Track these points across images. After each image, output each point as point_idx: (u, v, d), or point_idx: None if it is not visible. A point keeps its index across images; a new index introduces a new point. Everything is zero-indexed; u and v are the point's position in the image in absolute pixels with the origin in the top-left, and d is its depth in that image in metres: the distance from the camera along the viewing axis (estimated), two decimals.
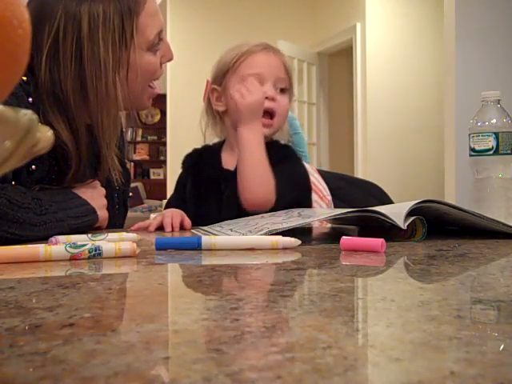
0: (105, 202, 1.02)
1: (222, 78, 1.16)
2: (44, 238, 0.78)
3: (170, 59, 1.08)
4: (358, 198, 1.38)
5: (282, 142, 1.19)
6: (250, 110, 1.05)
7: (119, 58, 0.96)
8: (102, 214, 1.00)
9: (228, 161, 1.16)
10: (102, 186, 1.04)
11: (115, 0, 0.95)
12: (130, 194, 1.25)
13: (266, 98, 1.10)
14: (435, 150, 4.53)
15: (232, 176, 1.09)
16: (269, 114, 1.12)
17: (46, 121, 0.93)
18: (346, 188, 1.43)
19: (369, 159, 4.74)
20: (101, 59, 0.94)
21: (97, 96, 0.95)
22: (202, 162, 1.18)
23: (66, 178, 0.97)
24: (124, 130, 1.21)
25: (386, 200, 1.39)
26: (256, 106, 1.06)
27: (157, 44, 1.02)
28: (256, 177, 1.05)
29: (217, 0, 5.37)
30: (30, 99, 0.92)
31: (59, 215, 0.88)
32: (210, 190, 1.13)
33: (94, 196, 0.99)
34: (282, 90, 1.14)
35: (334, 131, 5.75)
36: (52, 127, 0.93)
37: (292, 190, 1.08)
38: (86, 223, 0.94)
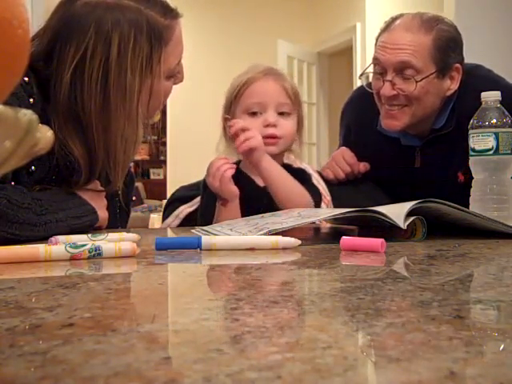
0: (105, 202, 1.02)
1: (229, 106, 1.21)
2: (44, 238, 0.78)
3: (181, 81, 1.08)
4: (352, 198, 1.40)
5: (295, 165, 1.22)
6: (252, 153, 1.08)
7: (143, 84, 0.95)
8: (102, 214, 1.00)
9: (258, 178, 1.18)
10: (102, 185, 1.04)
11: (147, 25, 0.94)
12: (133, 197, 1.25)
13: (267, 125, 1.14)
14: None
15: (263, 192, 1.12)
16: (272, 138, 1.15)
17: (61, 135, 0.92)
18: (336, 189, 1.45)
19: None
20: (127, 84, 0.93)
21: (118, 119, 0.95)
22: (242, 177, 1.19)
23: (69, 183, 0.97)
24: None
25: (377, 197, 1.40)
26: (257, 148, 1.08)
27: (176, 71, 1.03)
28: (290, 194, 1.09)
29: (216, 0, 5.37)
30: (31, 100, 0.92)
31: (59, 215, 0.88)
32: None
33: (94, 196, 0.99)
34: (285, 114, 1.17)
35: (333, 131, 5.74)
36: (65, 141, 0.93)
37: None
38: (87, 223, 0.94)
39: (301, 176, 1.19)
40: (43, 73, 0.93)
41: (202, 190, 1.17)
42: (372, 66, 1.33)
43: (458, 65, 1.29)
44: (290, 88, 1.19)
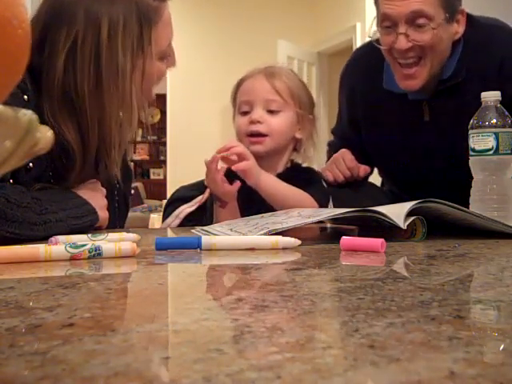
0: (105, 202, 1.02)
1: (233, 108, 1.24)
2: (44, 238, 0.78)
3: (173, 66, 1.09)
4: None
5: (304, 164, 1.21)
6: (246, 174, 1.07)
7: (135, 65, 0.96)
8: (102, 214, 1.00)
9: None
10: (103, 185, 1.04)
11: (136, 8, 0.95)
12: (132, 191, 1.26)
13: (252, 122, 1.15)
14: None
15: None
16: (261, 135, 1.15)
17: (54, 121, 0.93)
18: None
19: None
20: (119, 65, 0.94)
21: (112, 101, 0.96)
22: None
23: (65, 175, 0.97)
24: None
25: (378, 197, 1.40)
26: (248, 170, 1.06)
27: (167, 53, 1.03)
28: (295, 202, 1.08)
29: (216, 0, 5.37)
30: (26, 97, 0.92)
31: (59, 215, 0.88)
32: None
33: (95, 196, 0.99)
34: (274, 112, 1.16)
35: None
36: (59, 127, 0.93)
37: None
38: (87, 223, 0.94)
39: (310, 175, 1.18)
40: (35, 63, 0.93)
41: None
42: (379, 22, 1.28)
43: (462, 8, 1.28)
44: (283, 86, 1.18)
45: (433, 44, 1.24)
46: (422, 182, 1.38)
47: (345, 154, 1.44)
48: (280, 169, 1.19)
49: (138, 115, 1.03)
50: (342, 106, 1.55)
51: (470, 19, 1.31)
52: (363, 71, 1.46)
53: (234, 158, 1.06)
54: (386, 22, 1.26)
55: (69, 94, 0.95)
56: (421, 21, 1.22)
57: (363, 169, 1.42)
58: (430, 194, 1.27)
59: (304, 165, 1.22)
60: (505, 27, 1.36)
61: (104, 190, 1.04)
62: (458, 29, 1.28)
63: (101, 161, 1.02)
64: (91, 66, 0.94)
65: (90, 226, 0.96)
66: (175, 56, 1.08)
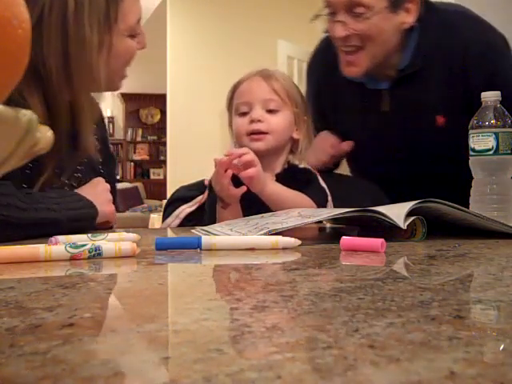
0: (109, 196, 1.02)
1: (229, 112, 1.24)
2: (38, 223, 0.78)
3: (144, 47, 1.10)
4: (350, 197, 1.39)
5: (301, 165, 1.21)
6: (251, 181, 1.06)
7: (103, 40, 0.97)
8: (108, 208, 1.00)
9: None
10: (87, 170, 1.04)
11: None
12: (118, 176, 1.27)
13: (252, 121, 1.15)
14: None
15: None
16: (262, 133, 1.15)
17: (19, 95, 0.92)
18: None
19: None
20: (86, 39, 0.95)
21: (80, 75, 0.96)
22: None
23: (39, 158, 0.97)
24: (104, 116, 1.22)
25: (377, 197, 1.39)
26: (255, 177, 1.06)
27: (136, 30, 1.04)
28: (300, 204, 1.07)
29: (216, 0, 5.36)
30: None
31: (52, 205, 0.88)
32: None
33: (97, 192, 0.99)
34: (273, 111, 1.17)
35: None
36: (25, 102, 0.93)
37: None
38: (84, 214, 0.93)
39: (307, 176, 1.19)
40: None
41: (209, 189, 1.17)
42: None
43: None
44: (280, 86, 1.18)
45: (371, 34, 1.21)
46: (390, 175, 1.36)
47: (325, 134, 1.42)
48: (278, 169, 1.20)
49: (108, 89, 1.04)
50: (309, 97, 1.52)
51: (429, 6, 1.27)
52: (326, 62, 1.44)
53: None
54: (328, 9, 1.26)
55: (36, 68, 0.95)
56: (358, 9, 1.20)
57: (346, 144, 1.40)
58: (399, 189, 1.26)
59: (301, 166, 1.23)
60: (466, 12, 1.32)
61: (107, 185, 1.04)
62: (407, 18, 1.24)
63: (78, 143, 1.02)
64: (58, 40, 0.95)
65: (91, 218, 0.95)
66: (145, 37, 1.09)
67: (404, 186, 1.28)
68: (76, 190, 0.98)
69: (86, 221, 0.94)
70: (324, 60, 1.47)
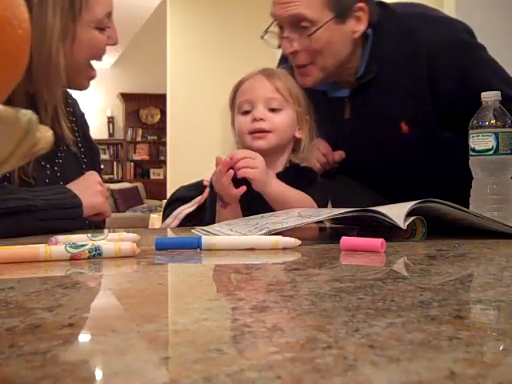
0: (98, 188, 1.02)
1: (231, 112, 1.23)
2: (12, 214, 0.78)
3: (115, 43, 1.09)
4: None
5: (302, 164, 1.21)
6: (253, 182, 1.07)
7: (66, 28, 0.97)
8: (97, 200, 1.00)
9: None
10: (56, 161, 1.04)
11: None
12: (102, 166, 1.29)
13: (254, 119, 1.15)
14: None
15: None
16: (264, 132, 1.16)
17: None
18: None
19: None
20: (47, 25, 0.95)
21: (39, 61, 0.96)
22: None
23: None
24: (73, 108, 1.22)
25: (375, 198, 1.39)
26: (255, 179, 1.06)
27: (105, 24, 1.04)
28: (302, 204, 1.07)
29: (216, 0, 5.37)
30: None
31: (24, 194, 0.88)
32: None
33: (88, 184, 0.99)
34: (276, 110, 1.17)
35: None
36: None
37: None
38: (64, 203, 0.93)
39: (308, 175, 1.19)
40: None
41: (210, 187, 1.17)
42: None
43: (361, 4, 1.20)
44: (283, 85, 1.18)
45: (317, 48, 1.20)
46: (367, 179, 1.36)
47: (318, 142, 1.42)
48: (280, 168, 1.19)
49: (74, 84, 1.04)
50: None
51: (386, 10, 1.25)
52: (291, 69, 1.40)
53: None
54: (276, 24, 1.24)
55: None
56: (303, 24, 1.18)
57: (338, 154, 1.39)
58: (380, 191, 1.25)
59: (302, 165, 1.22)
60: (426, 13, 1.28)
61: (98, 177, 1.04)
62: (357, 27, 1.21)
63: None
64: None
65: (74, 208, 0.95)
66: (116, 34, 1.08)
67: (387, 191, 1.28)
68: (68, 185, 0.98)
69: (70, 209, 0.93)
70: (288, 68, 1.48)
